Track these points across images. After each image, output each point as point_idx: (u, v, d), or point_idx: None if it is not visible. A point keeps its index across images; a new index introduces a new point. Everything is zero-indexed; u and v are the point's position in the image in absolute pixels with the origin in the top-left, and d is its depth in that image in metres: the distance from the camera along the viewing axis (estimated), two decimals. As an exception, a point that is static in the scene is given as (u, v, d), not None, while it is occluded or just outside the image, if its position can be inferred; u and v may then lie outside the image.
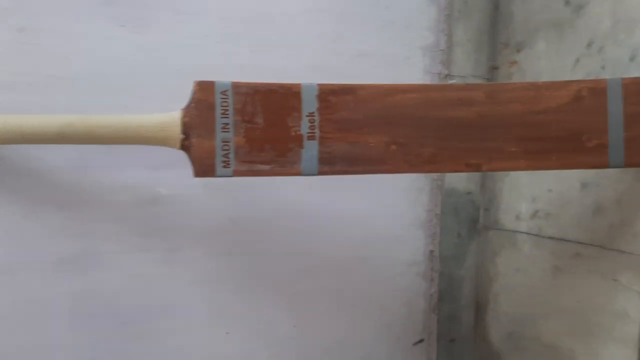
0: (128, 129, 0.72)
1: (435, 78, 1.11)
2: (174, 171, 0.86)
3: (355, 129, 0.77)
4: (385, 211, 1.10)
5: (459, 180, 1.15)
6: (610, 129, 0.78)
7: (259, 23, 0.96)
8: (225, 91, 0.73)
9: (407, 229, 1.13)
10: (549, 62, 1.03)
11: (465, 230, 1.17)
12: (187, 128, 0.72)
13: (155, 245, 0.91)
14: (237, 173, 0.74)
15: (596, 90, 0.78)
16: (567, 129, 0.78)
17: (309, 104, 0.76)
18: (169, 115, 0.72)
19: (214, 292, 0.96)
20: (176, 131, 0.72)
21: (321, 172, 0.76)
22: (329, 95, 0.76)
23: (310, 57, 0.99)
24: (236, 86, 0.74)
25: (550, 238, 1.03)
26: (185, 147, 0.73)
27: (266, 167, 0.75)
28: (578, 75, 0.97)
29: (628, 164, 0.79)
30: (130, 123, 0.72)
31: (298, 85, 0.76)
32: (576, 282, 0.98)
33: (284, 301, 1.02)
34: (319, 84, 0.76)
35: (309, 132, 0.76)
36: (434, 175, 1.13)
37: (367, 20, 1.04)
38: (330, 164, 0.76)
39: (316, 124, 0.76)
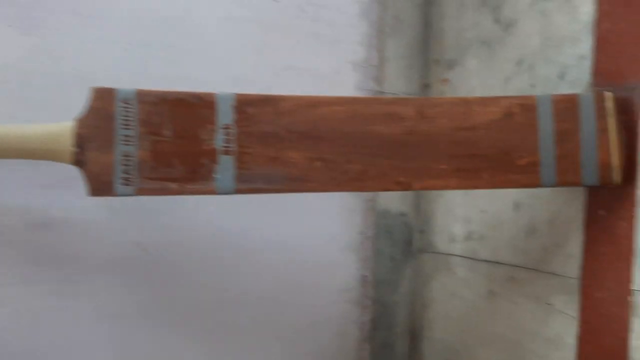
0: (9, 141, 0.63)
1: (366, 95, 1.07)
2: (71, 190, 0.77)
3: (276, 144, 0.70)
4: (315, 234, 1.04)
5: (393, 201, 1.11)
6: (541, 147, 0.76)
7: (175, 30, 0.89)
8: (127, 99, 0.66)
9: (339, 253, 1.07)
10: (480, 79, 1.02)
11: (399, 254, 1.13)
12: (81, 140, 0.64)
13: (47, 276, 0.80)
14: (140, 191, 0.65)
15: (526, 107, 0.76)
16: (498, 146, 0.75)
17: (225, 115, 0.69)
18: (59, 126, 0.64)
19: (119, 329, 0.85)
20: (67, 144, 0.63)
21: (238, 191, 0.69)
22: (247, 106, 0.70)
23: (232, 68, 0.93)
24: (141, 94, 0.66)
25: (485, 261, 1.00)
26: (78, 162, 0.64)
27: (175, 185, 0.67)
28: (509, 93, 0.95)
29: (560, 183, 0.76)
30: (12, 134, 0.63)
31: (212, 95, 0.69)
32: (511, 307, 0.94)
33: (202, 337, 0.93)
34: (236, 94, 0.70)
35: (224, 146, 0.69)
36: (367, 195, 1.09)
37: (295, 32, 0.99)
38: (248, 182, 0.69)
39: (233, 137, 0.69)
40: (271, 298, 0.99)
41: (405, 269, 1.13)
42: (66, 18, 0.81)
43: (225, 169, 0.68)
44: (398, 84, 1.10)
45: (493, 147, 0.75)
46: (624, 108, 0.77)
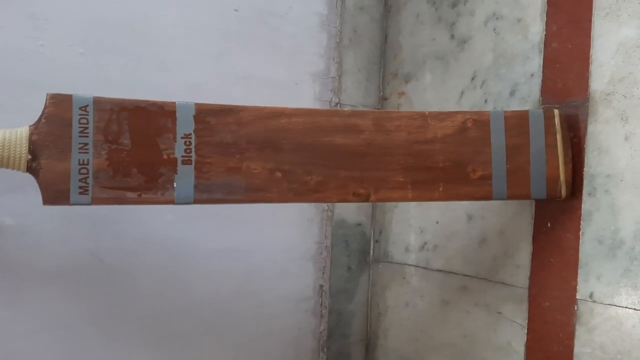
0: (-43, 146, 0.60)
1: (325, 105, 1.08)
2: (23, 197, 0.74)
3: (237, 154, 0.70)
4: (272, 243, 1.03)
5: (349, 211, 1.12)
6: (494, 161, 0.78)
7: (133, 35, 0.87)
8: (85, 106, 0.64)
9: (296, 263, 1.07)
10: (435, 93, 1.04)
11: (355, 264, 1.14)
12: (36, 147, 0.62)
13: (-6, 285, 0.77)
14: (96, 201, 0.64)
15: (480, 122, 0.79)
16: (453, 159, 0.77)
17: (185, 125, 0.68)
18: (13, 132, 0.62)
19: (69, 339, 0.83)
20: (21, 151, 0.61)
21: (197, 201, 0.69)
22: (208, 115, 0.69)
23: (189, 75, 0.92)
24: (98, 101, 0.65)
25: (438, 271, 1.02)
26: (32, 169, 0.62)
27: (133, 195, 0.66)
28: (463, 107, 0.98)
29: (510, 196, 0.79)
30: (-39, 139, 0.60)
31: (172, 104, 0.68)
32: (463, 316, 0.97)
33: (156, 346, 0.91)
34: (196, 103, 0.69)
35: (184, 156, 0.68)
36: (324, 205, 1.09)
37: (254, 41, 0.99)
38: (208, 192, 0.69)
39: (192, 147, 0.68)
40: (227, 307, 0.98)
41: (362, 278, 1.14)
42: (21, 20, 0.78)
43: (184, 179, 0.68)
44: (356, 96, 1.11)
45: (448, 161, 0.77)
46: (570, 125, 0.81)
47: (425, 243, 1.05)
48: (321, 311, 1.10)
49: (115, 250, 0.85)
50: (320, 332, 1.10)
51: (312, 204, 1.07)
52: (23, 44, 0.78)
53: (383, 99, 1.15)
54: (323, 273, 1.10)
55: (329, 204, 1.09)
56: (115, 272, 0.86)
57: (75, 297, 0.83)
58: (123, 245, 0.86)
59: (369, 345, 1.15)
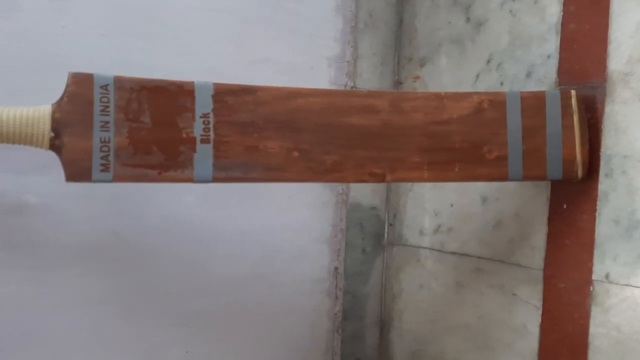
0: (-18, 124, 0.62)
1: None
2: (46, 176, 0.76)
3: (255, 133, 0.71)
4: (288, 225, 1.04)
5: (364, 195, 1.13)
6: (510, 142, 0.78)
7: (153, 18, 0.88)
8: (105, 85, 0.65)
9: (312, 245, 1.08)
10: (451, 77, 1.04)
11: (370, 246, 1.15)
12: (58, 125, 0.63)
13: (20, 262, 0.79)
14: (117, 178, 0.65)
15: (496, 103, 0.79)
16: (469, 140, 0.77)
17: (204, 104, 0.69)
18: (36, 110, 0.63)
19: (93, 315, 0.85)
20: (44, 128, 0.62)
21: (216, 179, 0.70)
22: (226, 95, 0.70)
23: (208, 59, 0.93)
24: (119, 80, 0.66)
25: (453, 253, 1.03)
26: (55, 146, 0.63)
27: (153, 172, 0.67)
28: (479, 91, 0.98)
29: (526, 177, 0.79)
30: (-14, 116, 0.62)
31: (191, 83, 0.69)
32: (477, 298, 0.97)
33: (175, 324, 0.92)
34: (214, 83, 0.70)
35: (202, 135, 0.69)
36: (339, 188, 1.10)
37: (271, 26, 0.99)
38: (226, 170, 0.70)
39: (211, 126, 0.69)
40: (244, 288, 0.99)
41: (376, 261, 1.15)
42: (43, 2, 0.79)
43: (203, 157, 0.68)
44: (371, 80, 1.12)
45: (464, 141, 0.77)
46: (587, 106, 0.81)
47: (440, 226, 1.05)
48: (336, 293, 1.11)
49: (135, 230, 0.87)
50: (335, 314, 1.11)
51: (327, 187, 1.08)
52: (45, 26, 0.79)
53: (398, 83, 1.15)
54: (338, 255, 1.11)
55: (344, 187, 1.10)
56: (136, 251, 0.88)
57: (96, 275, 0.85)
58: (143, 225, 0.88)
59: (384, 327, 1.16)
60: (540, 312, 0.87)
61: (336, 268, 1.10)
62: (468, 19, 1.01)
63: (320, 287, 1.09)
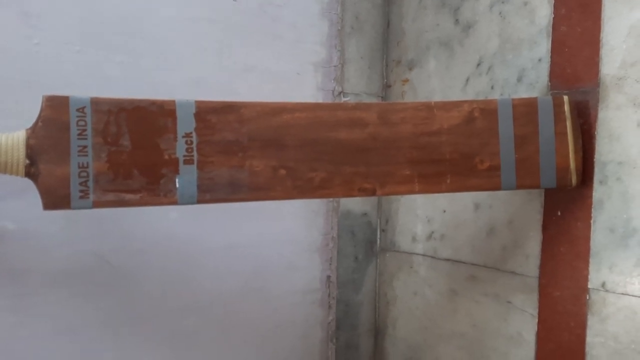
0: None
1: (328, 95, 1.06)
2: (24, 201, 0.73)
3: (239, 152, 0.69)
4: (278, 237, 1.02)
5: (355, 202, 1.11)
6: (502, 151, 0.76)
7: (131, 30, 0.85)
8: (82, 108, 0.62)
9: (303, 255, 1.06)
10: (440, 80, 1.02)
11: (362, 254, 1.13)
12: (33, 152, 0.60)
13: (0, 291, 0.76)
14: (98, 204, 0.63)
15: (487, 111, 0.77)
16: (460, 151, 0.75)
17: (186, 124, 0.67)
18: (9, 136, 0.60)
19: (77, 342, 0.82)
20: (18, 156, 0.60)
21: (201, 201, 0.67)
22: (209, 113, 0.68)
23: (190, 70, 0.90)
24: (96, 102, 0.63)
25: (446, 260, 1.01)
26: (31, 174, 0.61)
27: (135, 197, 0.65)
28: (468, 95, 0.96)
29: (519, 186, 0.78)
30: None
31: (172, 102, 0.66)
32: (472, 305, 0.96)
33: (164, 345, 0.90)
34: (196, 101, 0.68)
35: (185, 156, 0.66)
36: (329, 197, 1.08)
37: (255, 33, 0.97)
38: (210, 192, 0.67)
39: (194, 145, 0.67)
40: (235, 304, 0.97)
41: (369, 268, 1.13)
42: (14, 19, 0.76)
43: (186, 179, 0.66)
44: (359, 84, 1.09)
45: (455, 152, 0.75)
46: (580, 111, 0.79)
47: (433, 232, 1.04)
48: (329, 302, 1.09)
49: (119, 251, 0.84)
50: (329, 323, 1.09)
51: (317, 196, 1.06)
52: (17, 44, 0.76)
53: (387, 86, 1.13)
54: (330, 264, 1.09)
55: (335, 195, 1.08)
56: (121, 273, 0.85)
57: (80, 300, 0.82)
58: (127, 245, 0.85)
59: (378, 335, 1.15)
60: (536, 320, 0.86)
61: (328, 277, 1.09)
62: (457, 21, 0.99)
63: (313, 297, 1.07)
